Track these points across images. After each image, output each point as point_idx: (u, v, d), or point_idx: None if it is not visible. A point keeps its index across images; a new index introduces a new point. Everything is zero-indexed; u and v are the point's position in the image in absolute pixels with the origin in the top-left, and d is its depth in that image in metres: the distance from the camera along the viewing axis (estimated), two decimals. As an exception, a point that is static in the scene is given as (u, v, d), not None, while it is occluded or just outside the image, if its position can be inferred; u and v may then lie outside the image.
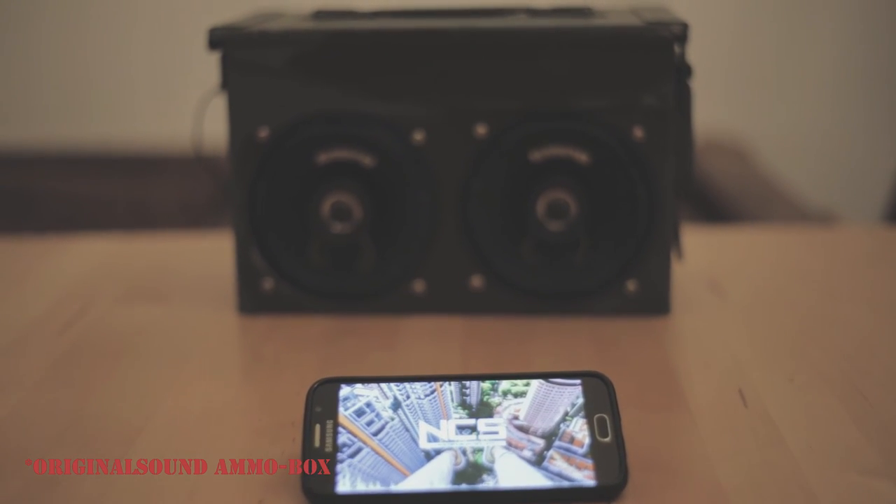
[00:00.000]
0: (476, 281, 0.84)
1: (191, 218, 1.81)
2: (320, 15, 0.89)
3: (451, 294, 0.84)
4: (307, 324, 0.84)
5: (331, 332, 0.83)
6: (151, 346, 0.81)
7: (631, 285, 0.84)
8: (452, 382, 0.64)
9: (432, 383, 0.64)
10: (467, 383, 0.64)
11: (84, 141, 2.10)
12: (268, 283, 0.85)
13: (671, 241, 0.84)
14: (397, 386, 0.64)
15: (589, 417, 0.62)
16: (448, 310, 0.85)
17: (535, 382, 0.64)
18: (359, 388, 0.64)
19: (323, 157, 0.83)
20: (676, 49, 0.81)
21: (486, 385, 0.64)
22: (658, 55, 0.81)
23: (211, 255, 0.99)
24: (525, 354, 0.79)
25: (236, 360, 0.79)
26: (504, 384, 0.64)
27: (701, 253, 0.98)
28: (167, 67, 2.16)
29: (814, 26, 2.16)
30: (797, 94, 2.17)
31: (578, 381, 0.64)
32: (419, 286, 0.85)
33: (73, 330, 0.84)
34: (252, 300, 0.86)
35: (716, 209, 1.55)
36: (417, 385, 0.64)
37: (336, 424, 0.62)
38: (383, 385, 0.64)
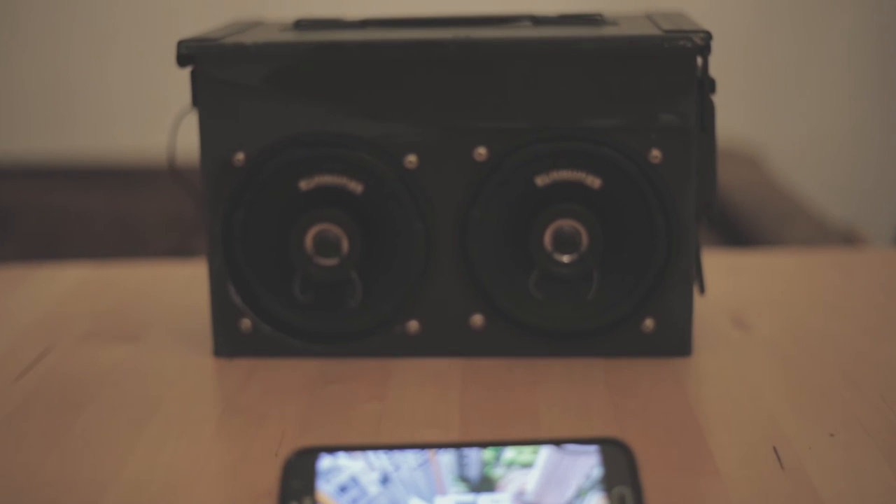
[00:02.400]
0: (476, 320, 0.77)
1: (178, 232, 1.73)
2: (302, 25, 0.81)
3: (449, 334, 0.77)
4: (289, 368, 0.76)
5: (315, 379, 0.75)
6: (116, 397, 0.73)
7: (649, 323, 0.76)
8: (449, 450, 0.56)
9: (426, 451, 0.56)
10: (466, 451, 0.56)
11: (69, 153, 2.03)
12: (246, 324, 0.77)
13: (692, 274, 0.76)
14: (386, 454, 0.56)
15: (608, 491, 0.54)
16: (445, 352, 0.77)
17: (544, 450, 0.56)
18: (342, 459, 0.56)
19: (306, 184, 0.76)
20: (698, 61, 0.73)
21: (488, 454, 0.56)
22: (678, 68, 0.73)
23: (189, 285, 0.91)
24: (531, 405, 0.71)
25: (209, 412, 0.71)
26: (509, 452, 0.56)
27: (720, 280, 0.90)
28: (156, 77, 2.08)
29: (830, 28, 2.08)
30: (812, 99, 2.09)
31: (595, 448, 0.56)
32: (413, 326, 0.77)
33: (32, 376, 0.76)
34: (229, 342, 0.78)
35: (731, 225, 1.47)
36: (409, 453, 0.56)
37: (315, 502, 0.53)
38: (370, 454, 0.56)
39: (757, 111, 2.05)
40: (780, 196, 1.55)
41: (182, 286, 0.92)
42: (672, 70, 0.73)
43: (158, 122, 1.70)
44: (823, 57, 2.09)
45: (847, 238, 1.37)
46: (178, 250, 1.67)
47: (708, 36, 0.72)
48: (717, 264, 0.93)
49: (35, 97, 2.14)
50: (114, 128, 2.13)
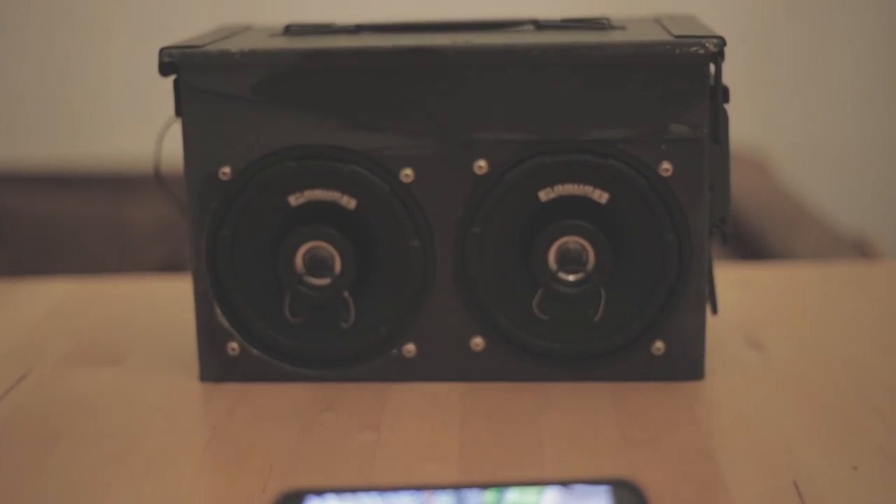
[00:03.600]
0: (477, 342, 0.73)
1: (172, 240, 1.69)
2: (292, 30, 0.77)
3: (448, 358, 0.73)
4: (279, 394, 0.72)
5: (306, 406, 0.70)
6: (95, 426, 0.69)
7: (659, 346, 0.72)
8: (447, 491, 0.52)
9: (422, 492, 0.52)
10: (465, 493, 0.52)
11: (61, 159, 2.00)
12: (233, 347, 0.73)
13: (705, 294, 0.72)
14: (379, 496, 0.52)
15: (618, 538, 0.50)
16: (444, 376, 0.73)
17: (550, 491, 0.52)
18: (331, 502, 0.51)
19: (295, 199, 0.72)
20: (711, 68, 0.69)
21: (490, 496, 0.52)
22: (690, 76, 0.69)
23: (177, 302, 0.86)
24: (535, 434, 0.66)
25: (194, 443, 0.67)
26: (511, 494, 0.52)
27: (731, 296, 0.86)
28: (150, 82, 2.04)
29: (838, 29, 2.04)
30: (819, 102, 2.05)
31: (605, 489, 0.51)
32: (410, 349, 0.73)
33: (6, 402, 0.72)
34: (216, 366, 0.74)
35: (739, 233, 1.43)
36: (404, 496, 0.52)
37: (302, 551, 0.49)
38: (361, 496, 0.52)
39: (763, 114, 2.01)
40: (789, 203, 1.50)
41: (170, 303, 0.88)
42: (684, 78, 0.69)
43: (152, 127, 1.66)
44: (831, 58, 2.05)
45: (859, 247, 1.33)
46: (172, 258, 1.64)
47: (721, 42, 0.68)
48: (727, 278, 0.89)
49: (24, 103, 2.11)
50: (107, 133, 2.09)
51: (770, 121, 2.02)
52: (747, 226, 1.42)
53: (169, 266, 1.59)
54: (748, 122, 1.96)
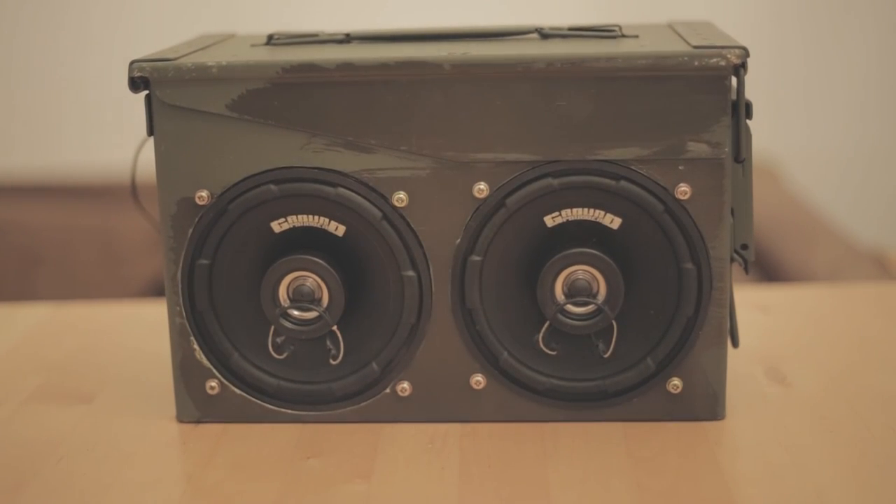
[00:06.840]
0: (477, 380, 0.68)
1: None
2: (275, 40, 0.72)
3: (446, 397, 0.69)
4: (263, 437, 0.67)
5: (291, 451, 0.65)
6: (61, 475, 0.64)
7: (676, 383, 0.68)
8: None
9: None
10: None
11: (48, 170, 1.96)
12: (213, 385, 0.69)
13: (726, 328, 0.66)
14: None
15: None
16: (442, 416, 0.69)
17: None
18: (313, 579, 0.46)
19: (279, 225, 0.68)
20: (733, 81, 0.64)
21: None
22: (710, 90, 0.64)
23: (157, 329, 0.81)
24: (541, 483, 0.61)
25: (167, 495, 0.62)
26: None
27: (750, 323, 0.81)
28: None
29: (848, 32, 1.99)
30: (831, 107, 2.00)
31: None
32: (404, 387, 0.69)
33: (-34, 447, 0.67)
34: (193, 406, 0.69)
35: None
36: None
37: None
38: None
39: (773, 121, 1.97)
40: (802, 214, 1.45)
41: (149, 331, 0.83)
42: (703, 92, 0.64)
43: (142, 136, 1.62)
44: (842, 64, 2.00)
45: (879, 263, 1.27)
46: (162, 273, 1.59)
47: (745, 52, 0.63)
48: (744, 302, 0.84)
49: (19, 114, 2.07)
50: (95, 144, 2.05)
51: (780, 128, 1.98)
52: (761, 239, 1.37)
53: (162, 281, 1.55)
54: (757, 129, 1.91)
